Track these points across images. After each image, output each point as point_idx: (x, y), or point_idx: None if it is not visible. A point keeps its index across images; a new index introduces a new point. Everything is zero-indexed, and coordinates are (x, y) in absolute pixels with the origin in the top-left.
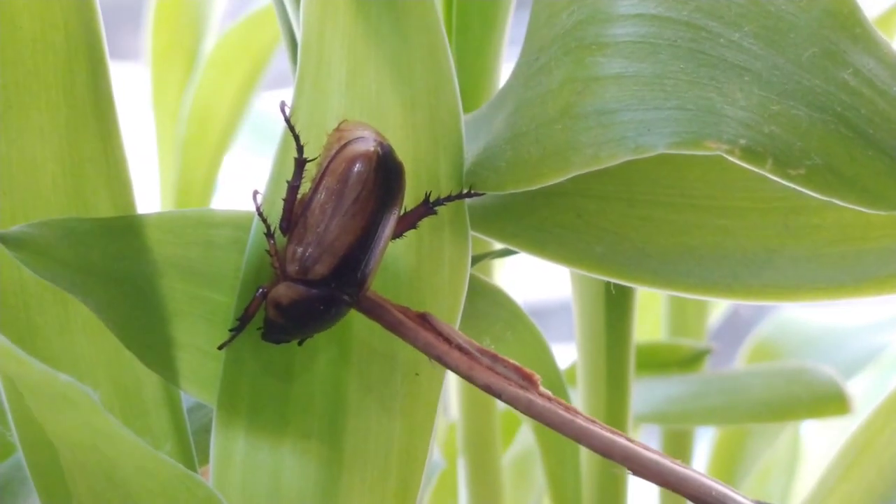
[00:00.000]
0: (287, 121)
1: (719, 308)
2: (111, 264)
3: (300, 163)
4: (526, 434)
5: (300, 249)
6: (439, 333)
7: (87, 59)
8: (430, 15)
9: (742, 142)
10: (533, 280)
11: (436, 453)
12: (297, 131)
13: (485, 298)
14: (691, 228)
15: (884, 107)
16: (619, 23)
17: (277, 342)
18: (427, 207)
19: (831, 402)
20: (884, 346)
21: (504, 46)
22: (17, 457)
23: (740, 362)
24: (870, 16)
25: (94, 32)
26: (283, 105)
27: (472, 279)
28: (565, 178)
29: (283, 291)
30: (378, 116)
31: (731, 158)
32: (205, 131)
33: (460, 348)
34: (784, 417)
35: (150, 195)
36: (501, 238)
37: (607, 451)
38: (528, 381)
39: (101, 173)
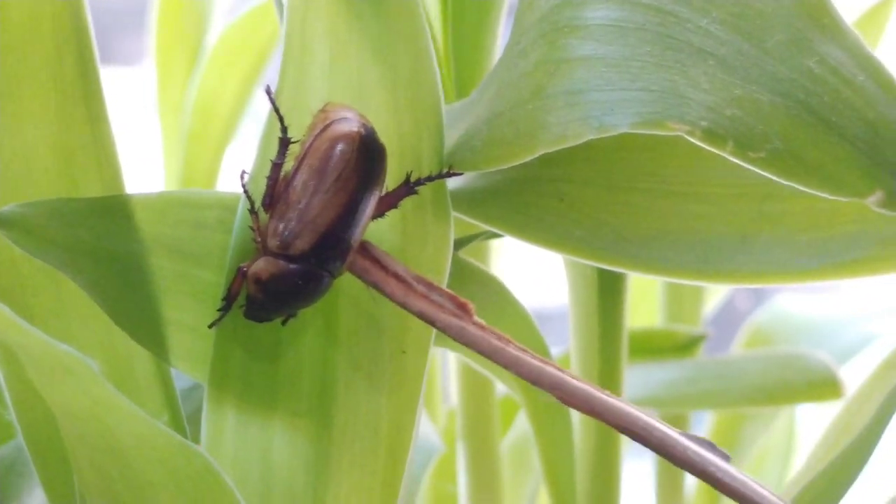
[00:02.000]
0: (272, 101)
1: (716, 295)
2: (100, 243)
3: (284, 142)
4: (524, 420)
5: (281, 225)
6: (376, 261)
7: (75, 46)
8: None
9: (703, 123)
10: (534, 285)
11: (435, 437)
12: (280, 112)
13: (478, 285)
14: (668, 214)
15: (848, 95)
16: (591, 6)
17: (259, 320)
18: (409, 187)
19: (825, 387)
20: (877, 335)
21: (499, 38)
22: (18, 440)
23: (736, 349)
24: (858, 11)
25: (81, 20)
26: (268, 88)
27: (464, 264)
28: (535, 155)
29: (263, 266)
30: (361, 99)
31: (692, 139)
32: (208, 125)
33: (396, 276)
34: (778, 402)
35: (155, 188)
36: (486, 220)
37: (536, 380)
38: (462, 309)
39: (90, 158)
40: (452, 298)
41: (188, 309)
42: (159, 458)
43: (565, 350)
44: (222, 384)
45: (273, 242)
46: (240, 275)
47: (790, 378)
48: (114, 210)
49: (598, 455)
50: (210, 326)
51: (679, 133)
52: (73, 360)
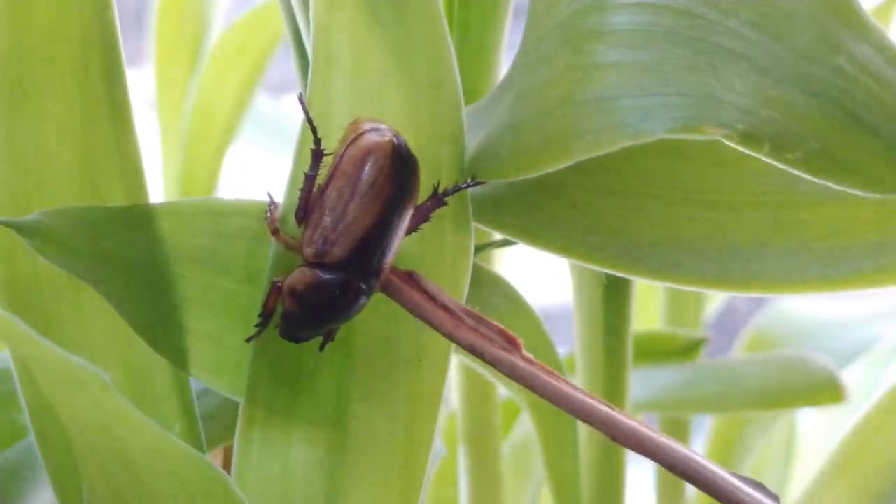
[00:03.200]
0: (305, 112)
1: (716, 299)
2: (123, 252)
3: (317, 154)
4: (525, 423)
5: (316, 234)
6: (425, 292)
7: (101, 48)
8: (431, 7)
9: (740, 126)
10: (540, 285)
11: (437, 441)
12: (314, 123)
13: (488, 287)
14: (683, 221)
15: (878, 91)
16: (616, 12)
17: (295, 339)
18: (438, 199)
19: (826, 390)
20: (878, 337)
21: (504, 44)
22: (27, 441)
23: (736, 352)
24: (867, 6)
25: (109, 22)
26: (300, 96)
27: (475, 268)
28: (566, 164)
29: (299, 277)
30: (382, 108)
31: (729, 143)
32: (208, 126)
33: (446, 308)
34: (779, 406)
35: (154, 190)
36: (498, 227)
37: (587, 417)
38: (511, 344)
39: (114, 162)
40: (502, 332)
41: (209, 319)
42: (170, 470)
43: (569, 352)
44: (255, 399)
45: (309, 251)
46: (274, 289)
47: (791, 382)
48: (137, 219)
49: (602, 459)
50: (248, 340)
51: (716, 137)
52: (85, 372)
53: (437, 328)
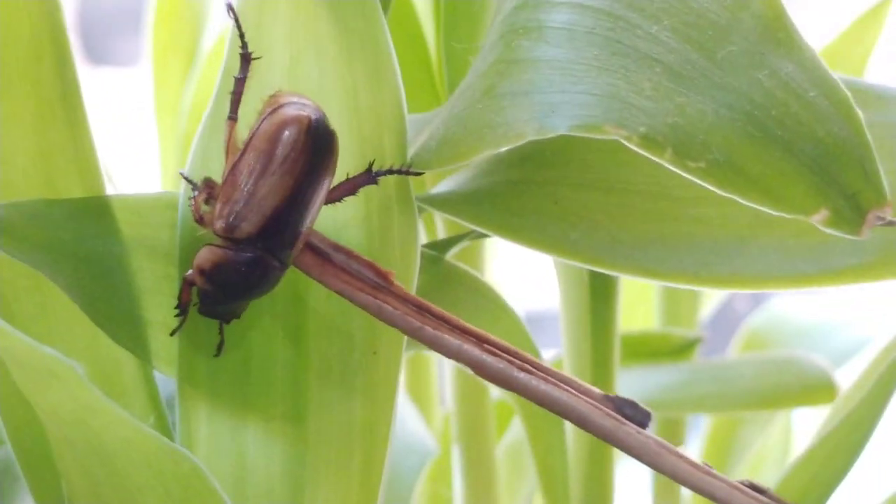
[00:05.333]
0: (235, 19)
1: (713, 298)
2: (81, 244)
3: (246, 57)
4: (519, 423)
5: (227, 208)
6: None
7: (51, 50)
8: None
9: (642, 129)
10: (528, 287)
11: (430, 440)
12: (243, 30)
13: (467, 289)
14: (665, 217)
15: (797, 110)
16: (547, 8)
17: (215, 316)
18: (369, 175)
19: (820, 390)
20: (872, 337)
21: None
22: (6, 448)
23: (732, 352)
24: (856, 11)
25: (58, 24)
26: (229, 5)
27: (455, 270)
28: (479, 154)
29: (206, 255)
30: (321, 102)
31: (629, 145)
32: None
33: (313, 248)
34: (774, 406)
35: (153, 190)
36: (480, 223)
37: (455, 355)
38: (382, 278)
39: (70, 161)
40: (372, 267)
41: (169, 310)
42: (146, 461)
43: (559, 354)
44: (192, 389)
45: (218, 226)
46: (186, 283)
47: (786, 382)
48: (94, 211)
49: (592, 459)
50: (171, 334)
51: (616, 138)
52: (59, 363)
53: (304, 271)
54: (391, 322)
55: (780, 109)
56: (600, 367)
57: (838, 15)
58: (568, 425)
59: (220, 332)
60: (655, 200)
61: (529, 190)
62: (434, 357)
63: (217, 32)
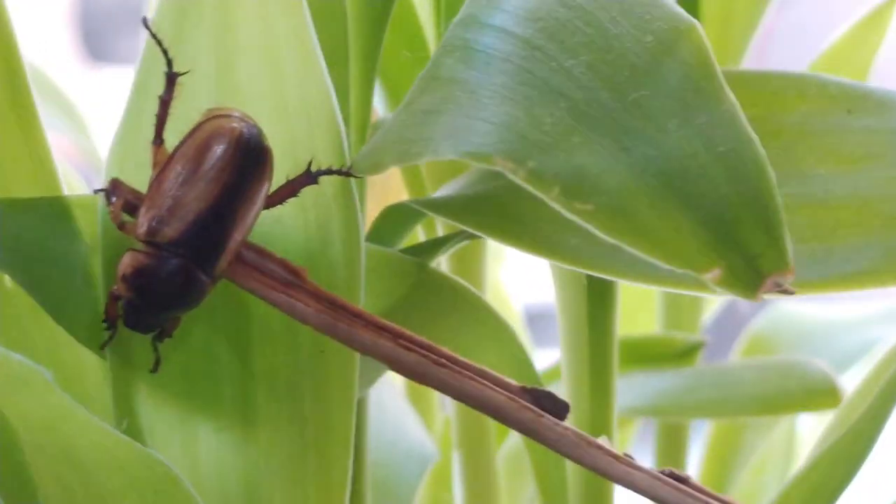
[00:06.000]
0: (153, 34)
1: (715, 303)
2: (42, 244)
3: (171, 77)
4: None
5: (151, 212)
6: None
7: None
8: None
9: (530, 164)
10: (532, 284)
11: (430, 445)
12: (163, 45)
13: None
14: None
15: (707, 163)
16: (475, 29)
17: (140, 329)
18: (308, 176)
19: (824, 395)
20: (876, 341)
21: None
22: None
23: (735, 356)
24: (860, 14)
25: (6, 29)
26: (144, 20)
27: (442, 278)
28: (387, 169)
29: (127, 261)
30: (249, 105)
31: (515, 179)
32: None
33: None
34: (777, 411)
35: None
36: (478, 228)
37: (369, 350)
38: (294, 275)
39: (25, 168)
40: (284, 264)
41: None
42: (119, 467)
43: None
44: (129, 410)
45: (140, 231)
46: (112, 296)
47: (789, 387)
48: (55, 211)
49: None
50: (101, 348)
51: (503, 170)
52: (28, 369)
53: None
54: (303, 319)
55: (686, 161)
56: (599, 371)
57: (841, 17)
58: None
59: (155, 348)
60: None
61: (529, 194)
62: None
63: None
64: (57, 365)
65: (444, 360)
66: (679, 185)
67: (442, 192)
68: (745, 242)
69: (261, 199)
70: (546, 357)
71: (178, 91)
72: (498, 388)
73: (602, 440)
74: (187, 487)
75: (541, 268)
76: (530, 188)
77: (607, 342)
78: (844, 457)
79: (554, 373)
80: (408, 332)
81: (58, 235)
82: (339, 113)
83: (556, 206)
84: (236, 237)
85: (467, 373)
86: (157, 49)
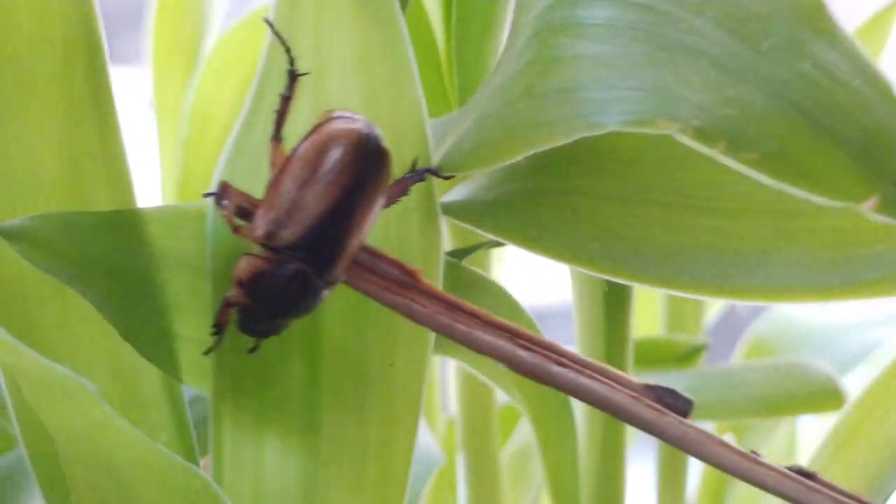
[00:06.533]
0: (276, 32)
1: (717, 305)
2: (110, 257)
3: (292, 75)
4: (524, 430)
5: (269, 215)
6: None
7: (85, 54)
8: (387, 7)
9: (695, 122)
10: (535, 284)
11: (435, 447)
12: (286, 43)
13: (483, 293)
14: (685, 228)
15: (843, 99)
16: (584, 5)
17: (253, 333)
18: (417, 174)
19: (827, 397)
20: (879, 343)
21: (503, 45)
22: (19, 449)
23: (737, 358)
24: (863, 16)
25: (92, 28)
26: (267, 19)
27: (464, 272)
28: (524, 154)
29: (244, 266)
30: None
31: (682, 138)
32: (206, 129)
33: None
34: (780, 412)
35: (152, 193)
36: (497, 233)
37: (489, 351)
38: (410, 276)
39: (99, 169)
40: (398, 265)
41: (197, 324)
42: (158, 480)
43: None
44: (221, 405)
45: (259, 233)
46: (226, 303)
47: (791, 388)
48: (123, 224)
49: (602, 462)
50: (206, 353)
51: (669, 132)
52: (71, 381)
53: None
54: (421, 321)
55: (826, 98)
56: None
57: (845, 20)
58: (579, 427)
59: (255, 347)
60: (675, 212)
61: (547, 199)
62: (438, 363)
63: (219, 34)
64: (116, 371)
65: (564, 360)
66: (827, 123)
67: (454, 195)
68: (892, 169)
69: (379, 201)
70: None
71: (296, 90)
72: (619, 386)
73: (727, 436)
74: (225, 500)
75: (543, 269)
76: (697, 144)
77: (623, 344)
78: None
79: None
80: (526, 332)
81: (124, 248)
82: (427, 122)
83: (724, 159)
84: (354, 241)
85: (588, 371)
86: (275, 52)
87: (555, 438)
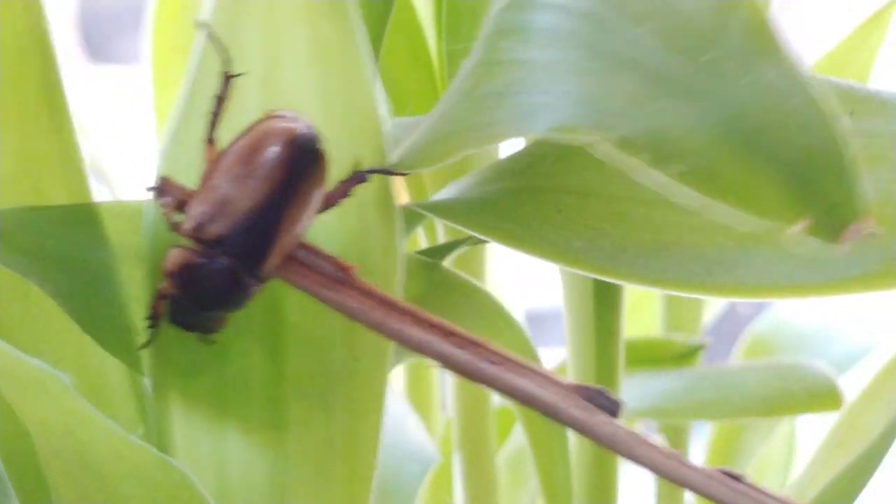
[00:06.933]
0: (213, 37)
1: (715, 305)
2: (69, 252)
3: (227, 77)
4: (521, 431)
5: (198, 208)
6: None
7: (36, 57)
8: (340, 3)
9: (621, 132)
10: (531, 286)
11: (431, 447)
12: (222, 44)
13: (462, 295)
14: (669, 226)
15: (778, 117)
16: (531, 10)
17: (185, 327)
18: (359, 175)
19: (825, 397)
20: (877, 343)
21: None
22: None
23: (735, 358)
24: (860, 16)
25: (42, 31)
26: (204, 23)
27: (453, 277)
28: (459, 155)
29: (173, 258)
30: (295, 108)
31: (606, 149)
32: None
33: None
34: (778, 412)
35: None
36: (482, 231)
37: (419, 347)
38: (345, 272)
39: (56, 168)
40: (333, 261)
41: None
42: (134, 472)
43: (562, 356)
44: (166, 404)
45: (187, 226)
46: (159, 294)
47: (790, 388)
48: (82, 219)
49: (595, 465)
50: (140, 348)
51: (593, 140)
52: (45, 374)
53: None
54: (353, 316)
55: (762, 117)
56: (605, 372)
57: (841, 19)
58: (571, 432)
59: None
60: (659, 209)
61: (532, 198)
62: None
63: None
64: (82, 368)
65: (495, 357)
66: (760, 142)
67: (443, 194)
68: (825, 192)
69: (315, 201)
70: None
71: (231, 91)
72: (550, 386)
73: (656, 438)
74: (203, 493)
75: (538, 270)
76: (621, 155)
77: (613, 344)
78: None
79: (559, 373)
80: (458, 330)
81: (84, 242)
82: (382, 118)
83: (649, 172)
84: (285, 239)
85: (518, 369)
86: (211, 48)
87: (546, 440)
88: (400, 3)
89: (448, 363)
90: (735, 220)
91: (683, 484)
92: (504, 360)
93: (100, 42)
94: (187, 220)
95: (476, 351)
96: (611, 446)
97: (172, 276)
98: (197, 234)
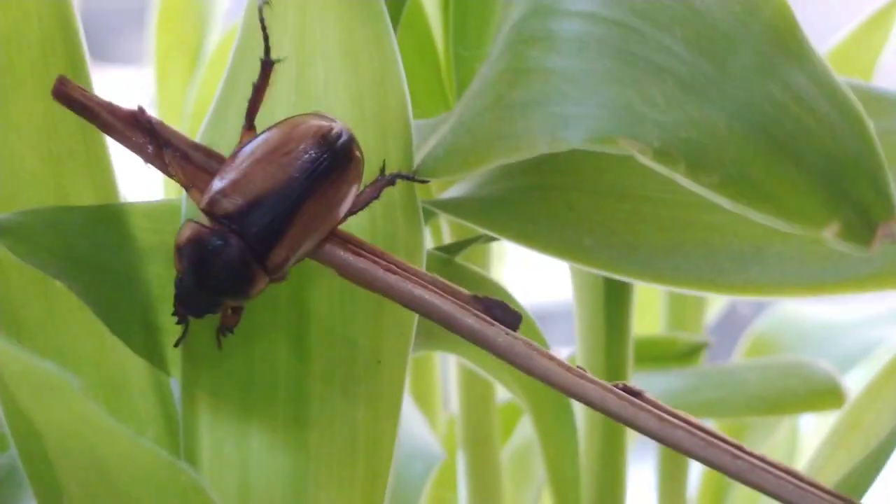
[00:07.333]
0: (261, 19)
1: (718, 303)
2: (96, 252)
3: (266, 63)
4: (525, 427)
5: (216, 184)
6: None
7: (63, 53)
8: (373, 5)
9: (656, 143)
10: (536, 283)
11: (435, 445)
12: (266, 30)
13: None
14: (680, 224)
15: (808, 123)
16: (557, 18)
17: (188, 309)
18: (388, 178)
19: (827, 396)
20: (879, 341)
21: None
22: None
23: (738, 357)
24: (864, 14)
25: (70, 27)
26: (260, 7)
27: (462, 269)
28: (490, 165)
29: (184, 231)
30: (327, 110)
31: (642, 158)
32: None
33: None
34: (780, 411)
35: (155, 191)
36: (493, 229)
37: (316, 255)
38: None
39: (81, 165)
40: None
41: None
42: (144, 475)
43: (571, 352)
44: (194, 401)
45: (205, 199)
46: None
47: (792, 387)
48: (110, 218)
49: (603, 460)
50: (176, 345)
51: (630, 152)
52: (56, 377)
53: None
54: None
55: (793, 123)
56: (615, 369)
57: (846, 17)
58: (580, 424)
59: (218, 338)
60: (670, 207)
61: (543, 195)
62: (438, 360)
63: (221, 33)
64: (103, 366)
65: (393, 266)
66: (792, 148)
67: (452, 192)
68: (855, 196)
69: (343, 203)
70: None
71: (270, 78)
72: (448, 295)
73: (556, 352)
74: (212, 497)
75: (538, 269)
76: (657, 166)
77: (623, 341)
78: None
79: None
80: (358, 238)
81: (111, 242)
82: (411, 122)
83: (684, 181)
84: (300, 233)
85: (417, 279)
86: (251, 39)
87: (555, 433)
88: (409, 3)
89: (345, 271)
90: (769, 224)
91: (583, 398)
92: (403, 270)
93: (100, 42)
94: (204, 195)
95: (374, 259)
96: (509, 359)
97: (180, 249)
98: (210, 209)
